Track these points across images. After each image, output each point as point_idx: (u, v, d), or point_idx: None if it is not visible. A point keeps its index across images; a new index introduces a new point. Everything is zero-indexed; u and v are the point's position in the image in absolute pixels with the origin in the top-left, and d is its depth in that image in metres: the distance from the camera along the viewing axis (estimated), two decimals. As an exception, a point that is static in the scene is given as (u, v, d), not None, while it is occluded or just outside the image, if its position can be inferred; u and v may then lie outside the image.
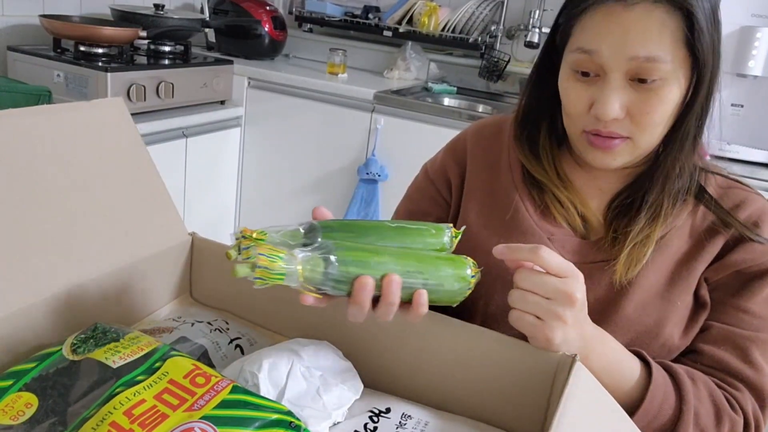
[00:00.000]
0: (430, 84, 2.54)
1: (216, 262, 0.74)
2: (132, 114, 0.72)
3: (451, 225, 0.61)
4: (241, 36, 2.57)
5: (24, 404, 0.48)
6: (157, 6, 2.29)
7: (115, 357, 0.50)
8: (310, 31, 2.91)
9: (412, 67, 2.60)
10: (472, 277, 0.58)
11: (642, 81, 0.66)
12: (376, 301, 0.54)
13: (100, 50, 2.00)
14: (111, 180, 0.67)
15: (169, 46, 2.24)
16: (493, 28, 2.54)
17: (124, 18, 2.21)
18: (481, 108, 2.44)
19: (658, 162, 0.73)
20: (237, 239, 0.51)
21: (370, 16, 2.67)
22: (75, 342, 0.53)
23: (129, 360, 0.50)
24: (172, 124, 2.11)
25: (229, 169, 2.51)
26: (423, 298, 0.54)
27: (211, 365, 0.62)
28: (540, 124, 0.80)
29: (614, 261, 0.71)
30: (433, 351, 0.62)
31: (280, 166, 2.46)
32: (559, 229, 0.77)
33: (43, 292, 0.58)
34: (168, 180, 0.72)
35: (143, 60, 2.16)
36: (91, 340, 0.53)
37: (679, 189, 0.72)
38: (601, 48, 0.66)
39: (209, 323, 0.68)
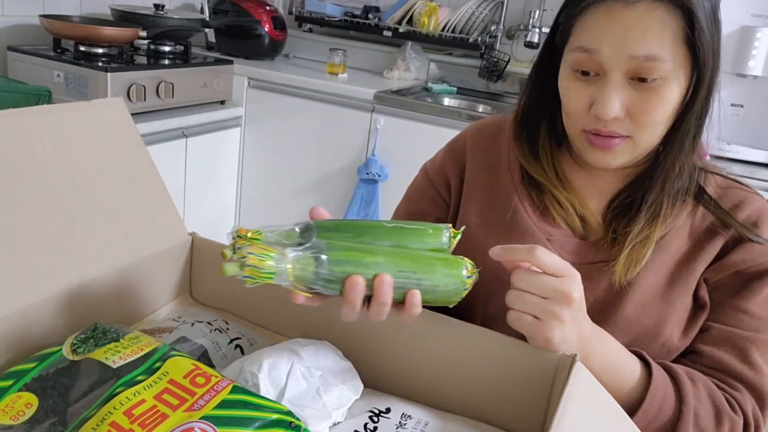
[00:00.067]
0: (430, 84, 2.54)
1: (216, 262, 0.74)
2: (132, 114, 0.72)
3: (450, 225, 0.61)
4: (241, 36, 2.57)
5: (24, 404, 0.48)
6: (157, 6, 2.29)
7: (115, 357, 0.50)
8: (310, 31, 2.92)
9: (412, 67, 2.60)
10: (468, 277, 0.57)
11: (642, 80, 0.66)
12: (370, 300, 0.53)
13: (100, 50, 2.00)
14: (111, 180, 0.67)
15: (169, 46, 2.24)
16: (493, 28, 2.54)
17: (124, 18, 2.21)
18: (481, 108, 2.44)
19: (657, 161, 0.73)
20: (233, 239, 0.51)
21: (370, 16, 2.67)
22: (75, 342, 0.53)
23: (129, 360, 0.50)
24: (172, 124, 2.11)
25: (229, 169, 2.51)
26: (416, 299, 0.54)
27: (211, 365, 0.62)
28: (540, 124, 0.80)
29: (613, 262, 0.71)
30: (433, 351, 0.61)
31: (280, 166, 2.46)
32: (558, 230, 0.77)
33: (43, 292, 0.58)
34: (168, 180, 0.72)
35: (143, 60, 2.16)
36: (91, 340, 0.53)
37: (678, 189, 0.72)
38: (601, 47, 0.66)
39: (209, 323, 0.68)
